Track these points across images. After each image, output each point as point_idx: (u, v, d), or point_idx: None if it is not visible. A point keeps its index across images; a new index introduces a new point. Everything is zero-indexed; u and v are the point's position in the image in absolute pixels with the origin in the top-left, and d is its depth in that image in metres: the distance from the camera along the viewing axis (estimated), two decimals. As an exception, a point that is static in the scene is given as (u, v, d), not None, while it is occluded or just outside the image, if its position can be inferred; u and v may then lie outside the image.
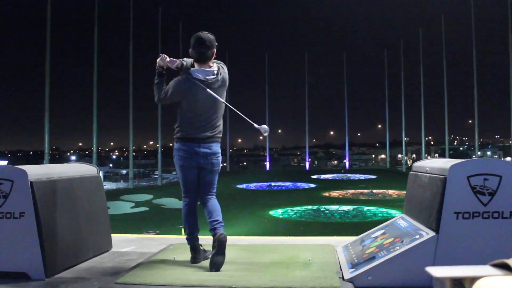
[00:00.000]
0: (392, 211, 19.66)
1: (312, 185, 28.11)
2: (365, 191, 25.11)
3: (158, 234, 6.58)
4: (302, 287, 3.18)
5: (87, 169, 4.48)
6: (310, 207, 19.59)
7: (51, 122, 23.74)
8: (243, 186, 26.70)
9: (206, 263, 3.83)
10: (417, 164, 4.21)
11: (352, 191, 25.70)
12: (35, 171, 3.75)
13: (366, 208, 20.73)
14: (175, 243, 4.76)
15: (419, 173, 3.95)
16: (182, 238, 5.83)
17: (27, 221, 3.60)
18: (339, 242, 4.63)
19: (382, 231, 4.07)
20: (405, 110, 37.50)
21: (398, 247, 3.38)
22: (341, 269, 3.60)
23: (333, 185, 27.98)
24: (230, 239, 4.88)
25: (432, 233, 3.29)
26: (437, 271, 1.11)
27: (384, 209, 20.29)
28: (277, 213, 17.66)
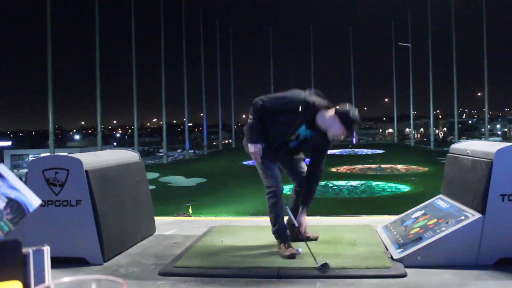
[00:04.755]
0: (401, 186, 19.84)
1: (320, 161, 28.22)
2: (373, 166, 25.31)
3: (188, 216, 6.72)
4: (356, 267, 3.34)
5: (131, 156, 4.61)
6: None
7: (54, 101, 23.76)
8: (249, 162, 26.87)
9: (256, 244, 3.99)
10: (455, 146, 4.32)
11: (360, 166, 25.90)
12: (89, 160, 3.88)
13: (374, 183, 20.90)
14: (215, 225, 4.91)
15: (459, 156, 4.07)
16: (221, 220, 6.02)
17: (84, 208, 3.73)
18: (375, 222, 4.77)
19: (422, 211, 4.21)
20: (413, 83, 37.44)
21: (444, 228, 3.52)
22: (387, 249, 3.75)
23: (340, 161, 28.14)
24: (261, 220, 5.00)
25: (478, 215, 3.42)
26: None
27: (393, 184, 20.45)
28: (285, 189, 17.84)
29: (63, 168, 3.77)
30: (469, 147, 3.96)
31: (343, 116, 3.80)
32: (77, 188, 3.75)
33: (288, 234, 3.95)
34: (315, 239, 4.19)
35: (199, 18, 37.18)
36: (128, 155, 4.58)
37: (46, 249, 1.41)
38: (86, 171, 3.74)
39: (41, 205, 3.80)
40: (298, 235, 4.03)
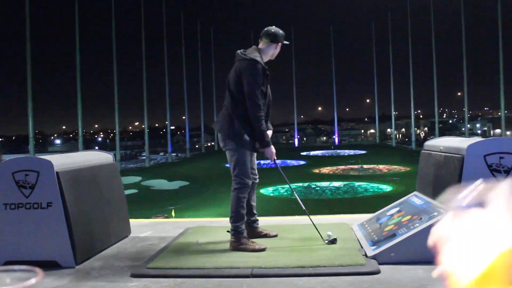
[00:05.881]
0: (383, 186, 19.97)
1: (302, 162, 28.33)
2: (355, 166, 25.41)
3: (166, 218, 6.67)
4: (330, 265, 3.33)
5: (104, 157, 4.55)
6: (300, 184, 19.76)
7: (34, 105, 23.43)
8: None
9: (228, 245, 3.97)
10: (429, 143, 4.34)
11: (343, 167, 25.97)
12: (59, 161, 3.81)
13: (357, 183, 20.99)
14: (191, 226, 4.87)
15: (433, 152, 4.09)
16: (197, 220, 5.97)
17: (55, 210, 3.67)
18: (352, 220, 4.78)
19: (397, 208, 4.22)
20: (394, 83, 37.73)
21: (417, 224, 3.53)
22: (361, 247, 3.75)
23: (323, 162, 28.23)
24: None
25: (450, 210, 3.43)
26: None
27: (375, 184, 20.58)
28: (268, 191, 17.81)
29: (33, 170, 3.70)
30: (442, 143, 3.99)
31: (270, 36, 4.17)
32: (47, 190, 3.68)
33: None
34: (275, 236, 4.27)
35: (180, 19, 37.03)
36: (101, 157, 4.51)
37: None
38: (57, 172, 3.68)
39: (11, 208, 3.73)
40: (258, 232, 4.23)
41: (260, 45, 4.20)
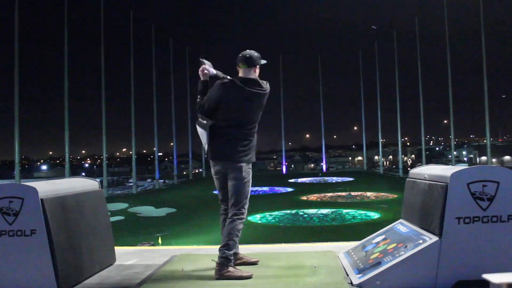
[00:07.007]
0: (371, 213, 19.98)
1: (290, 189, 28.31)
2: (343, 194, 25.41)
3: (152, 245, 6.61)
4: (315, 294, 3.32)
5: (90, 184, 4.53)
6: (288, 211, 19.72)
7: (20, 131, 23.23)
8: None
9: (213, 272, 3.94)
10: (414, 171, 4.39)
11: (330, 194, 25.97)
12: (44, 188, 3.79)
13: (345, 211, 20.97)
14: (177, 254, 4.84)
15: (417, 180, 4.13)
16: (183, 248, 5.91)
17: (39, 238, 3.63)
18: (338, 248, 4.78)
19: (383, 236, 4.24)
20: (381, 111, 38.11)
21: (403, 252, 3.55)
22: (347, 275, 3.75)
23: (310, 189, 28.23)
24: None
25: (435, 238, 3.46)
26: (495, 278, 1.25)
27: (363, 211, 20.58)
28: (255, 218, 17.72)
29: (17, 197, 3.67)
30: (426, 171, 4.03)
31: (247, 61, 4.21)
32: (32, 217, 3.65)
33: None
34: (255, 263, 4.27)
35: (169, 47, 37.30)
36: (87, 183, 4.49)
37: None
38: (42, 199, 3.65)
39: (-6, 236, 3.67)
40: (239, 258, 4.23)
41: (240, 74, 4.20)
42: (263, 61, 4.27)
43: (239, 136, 4.07)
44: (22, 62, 23.26)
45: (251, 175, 4.16)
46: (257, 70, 4.24)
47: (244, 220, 4.06)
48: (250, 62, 4.18)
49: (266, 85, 4.19)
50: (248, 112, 4.10)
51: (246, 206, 4.10)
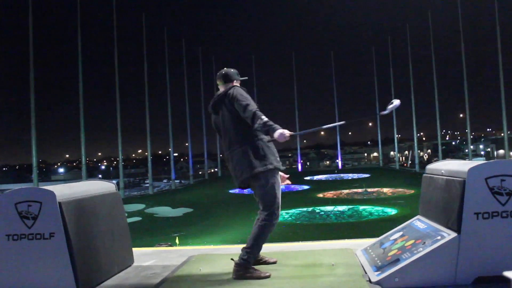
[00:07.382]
0: (388, 209, 19.86)
1: (306, 187, 28.24)
2: (359, 190, 25.30)
3: (170, 246, 6.64)
4: (334, 292, 3.30)
5: (106, 186, 4.56)
6: (305, 209, 19.67)
7: (37, 134, 23.49)
8: (236, 191, 26.79)
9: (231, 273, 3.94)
10: (430, 166, 4.34)
11: (347, 191, 25.88)
12: (62, 192, 3.82)
13: (361, 207, 20.88)
14: (194, 254, 4.85)
15: (434, 176, 4.09)
16: (200, 248, 5.93)
17: (58, 241, 3.67)
18: (355, 245, 4.76)
19: (401, 233, 4.21)
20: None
21: (421, 249, 3.51)
22: (365, 272, 3.73)
23: (327, 186, 28.15)
24: (240, 248, 4.96)
25: (453, 234, 3.42)
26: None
27: (380, 208, 20.47)
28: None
29: (36, 201, 3.71)
30: (443, 166, 3.99)
31: (224, 78, 4.32)
32: (50, 220, 3.69)
33: None
34: (274, 263, 4.26)
35: (182, 48, 37.43)
36: (103, 186, 4.52)
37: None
38: (60, 203, 3.69)
39: (13, 239, 3.73)
40: (257, 260, 4.17)
41: (221, 90, 4.29)
42: (243, 78, 4.39)
43: (236, 154, 4.08)
44: (37, 67, 23.49)
45: (276, 179, 4.07)
46: (237, 85, 4.30)
47: (272, 224, 3.99)
48: (226, 78, 4.30)
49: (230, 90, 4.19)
50: (225, 125, 4.15)
51: (277, 211, 4.02)
